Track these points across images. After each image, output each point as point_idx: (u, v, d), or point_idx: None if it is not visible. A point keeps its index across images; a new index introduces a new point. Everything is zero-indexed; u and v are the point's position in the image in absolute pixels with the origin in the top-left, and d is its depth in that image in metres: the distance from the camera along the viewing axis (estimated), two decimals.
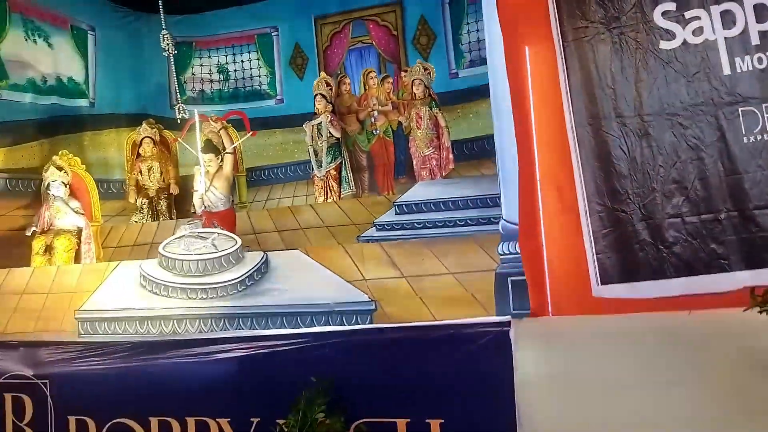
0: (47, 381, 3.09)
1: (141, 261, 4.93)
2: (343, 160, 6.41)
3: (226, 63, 9.30)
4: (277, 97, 9.18)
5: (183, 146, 5.75)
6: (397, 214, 5.63)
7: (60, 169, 5.85)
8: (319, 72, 9.10)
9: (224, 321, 4.44)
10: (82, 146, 7.94)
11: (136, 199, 7.01)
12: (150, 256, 6.16)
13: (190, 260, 4.62)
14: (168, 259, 4.70)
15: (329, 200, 6.35)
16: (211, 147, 5.29)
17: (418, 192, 5.65)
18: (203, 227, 5.17)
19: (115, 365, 2.96)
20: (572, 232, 2.44)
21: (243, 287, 4.45)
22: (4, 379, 3.19)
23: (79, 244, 5.84)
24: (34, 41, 7.38)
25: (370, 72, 6.81)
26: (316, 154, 6.37)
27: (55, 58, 7.68)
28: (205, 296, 4.54)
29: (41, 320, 5.03)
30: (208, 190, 5.24)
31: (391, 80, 6.84)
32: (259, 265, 4.45)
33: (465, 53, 8.10)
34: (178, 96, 9.18)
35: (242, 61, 9.31)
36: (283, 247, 5.45)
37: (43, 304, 5.09)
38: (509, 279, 3.75)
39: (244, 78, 9.29)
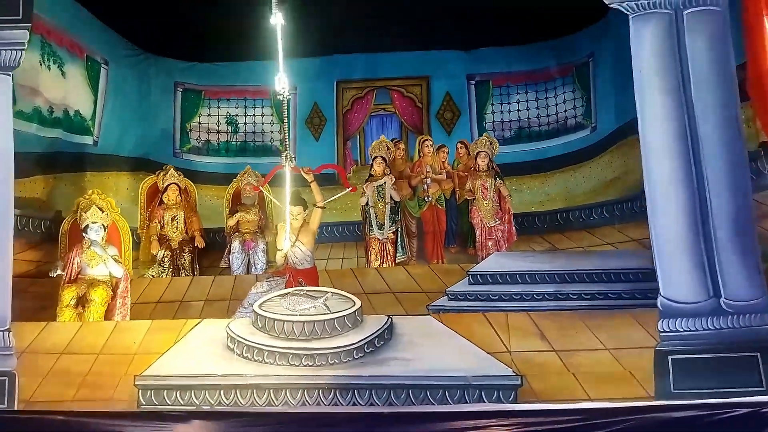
0: None
1: (228, 320, 4.35)
2: (401, 224, 6.23)
3: (236, 115, 8.94)
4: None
5: (267, 195, 5.25)
6: (470, 284, 5.49)
7: (101, 210, 5.13)
8: (337, 134, 9.01)
9: (335, 392, 3.95)
10: (82, 187, 7.10)
11: (158, 251, 6.28)
12: (178, 315, 5.51)
13: (294, 321, 4.13)
14: (266, 319, 4.18)
15: (384, 264, 6.09)
16: (299, 199, 4.91)
17: (493, 263, 5.56)
18: (286, 286, 4.70)
19: None
20: None
21: (360, 354, 4.03)
22: None
23: (112, 297, 5.07)
24: (48, 67, 6.68)
25: (426, 140, 6.79)
26: (375, 216, 6.13)
27: (65, 89, 6.98)
28: (311, 363, 4.04)
29: (85, 386, 4.21)
30: (294, 245, 4.80)
31: (446, 150, 6.86)
32: (382, 330, 4.07)
33: (489, 131, 8.39)
34: (179, 145, 8.68)
35: (254, 115, 8.99)
36: None
37: (90, 368, 4.29)
38: (669, 357, 3.74)
39: (254, 132, 8.92)
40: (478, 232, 6.07)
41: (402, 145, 7.11)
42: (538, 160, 8.02)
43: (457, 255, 6.56)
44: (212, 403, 4.06)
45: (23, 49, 4.59)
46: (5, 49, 4.55)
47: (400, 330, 4.08)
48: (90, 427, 3.94)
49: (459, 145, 7.05)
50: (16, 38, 4.56)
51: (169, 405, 4.10)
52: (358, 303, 4.17)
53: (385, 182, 6.18)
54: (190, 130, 8.74)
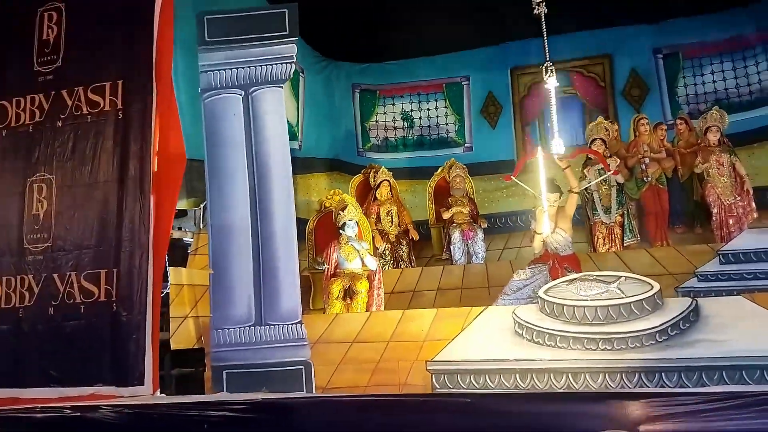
0: None
1: (513, 307, 4.45)
2: (627, 206, 6.08)
3: (411, 110, 9.13)
4: (466, 145, 8.94)
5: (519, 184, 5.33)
6: (722, 264, 5.26)
7: (355, 208, 5.44)
8: (514, 121, 8.97)
9: (639, 375, 3.92)
10: (295, 189, 7.55)
11: (381, 245, 6.57)
12: (412, 305, 5.71)
13: (586, 306, 4.15)
14: (554, 305, 4.23)
15: (613, 249, 5.97)
16: (554, 186, 4.94)
17: (746, 240, 5.29)
18: (551, 274, 4.73)
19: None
20: None
21: (664, 337, 3.97)
22: None
23: (369, 288, 5.35)
24: None
25: (642, 118, 6.57)
26: (599, 200, 6.04)
27: None
28: (608, 347, 4.04)
29: (378, 372, 4.46)
30: (554, 231, 4.83)
31: (664, 127, 6.61)
32: (687, 312, 3.99)
33: (683, 105, 7.99)
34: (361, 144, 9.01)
35: (428, 109, 9.14)
36: None
37: (381, 355, 4.54)
38: None
39: (429, 126, 9.07)
40: (715, 210, 5.78)
41: (616, 125, 6.91)
42: (742, 132, 7.50)
43: (684, 235, 6.30)
44: (508, 386, 4.17)
45: (292, 62, 4.88)
46: (277, 64, 4.87)
47: (707, 312, 3.97)
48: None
49: (679, 121, 6.76)
50: (286, 52, 4.85)
51: (463, 389, 4.27)
52: (657, 286, 4.09)
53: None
54: (369, 129, 9.05)
